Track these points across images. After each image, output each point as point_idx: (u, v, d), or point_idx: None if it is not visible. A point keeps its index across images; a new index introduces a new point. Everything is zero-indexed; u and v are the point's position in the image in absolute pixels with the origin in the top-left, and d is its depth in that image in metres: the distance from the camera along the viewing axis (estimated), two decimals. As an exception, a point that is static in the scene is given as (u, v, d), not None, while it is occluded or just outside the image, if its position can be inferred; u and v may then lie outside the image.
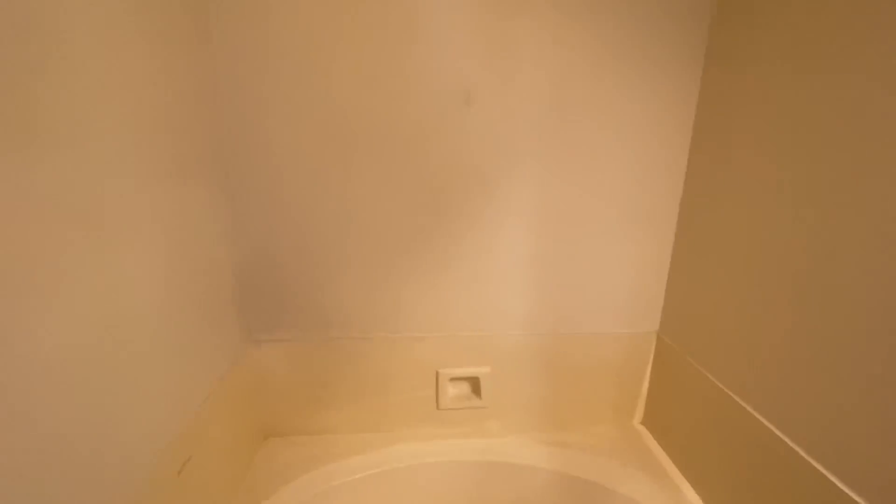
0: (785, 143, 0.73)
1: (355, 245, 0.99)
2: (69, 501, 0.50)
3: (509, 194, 0.98)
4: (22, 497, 0.44)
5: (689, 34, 0.91)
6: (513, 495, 1.11)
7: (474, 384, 1.13)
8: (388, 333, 1.06)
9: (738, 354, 0.84)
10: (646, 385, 1.16)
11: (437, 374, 1.10)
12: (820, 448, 0.67)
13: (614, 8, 0.88)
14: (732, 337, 0.86)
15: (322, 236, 0.97)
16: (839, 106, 0.64)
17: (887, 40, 0.57)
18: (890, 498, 0.57)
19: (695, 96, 0.96)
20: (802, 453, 0.69)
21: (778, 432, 0.74)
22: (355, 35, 0.86)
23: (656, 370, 1.13)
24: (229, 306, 0.94)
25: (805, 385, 0.69)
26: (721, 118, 0.89)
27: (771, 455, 0.75)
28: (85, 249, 0.53)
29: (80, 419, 0.52)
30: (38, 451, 0.46)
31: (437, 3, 0.86)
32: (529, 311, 1.08)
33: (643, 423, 1.20)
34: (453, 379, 1.12)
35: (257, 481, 0.99)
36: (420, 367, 1.09)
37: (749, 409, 0.80)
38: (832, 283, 0.65)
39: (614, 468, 1.06)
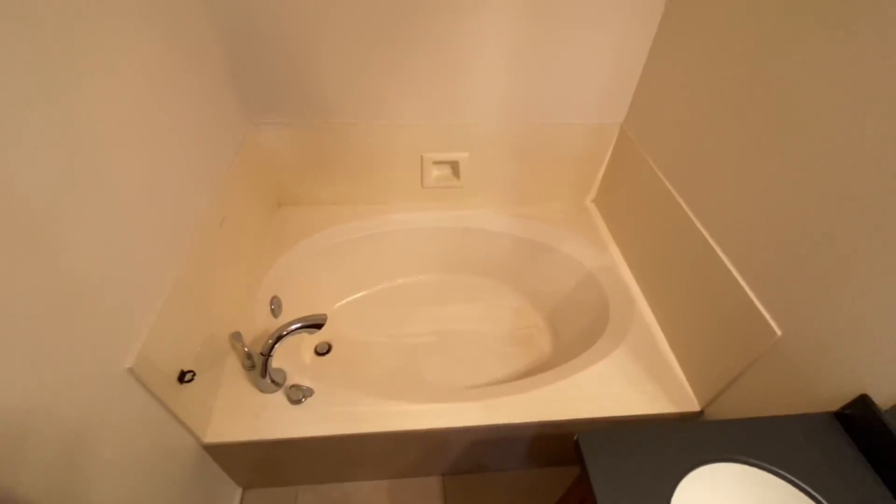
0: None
1: (339, 32, 0.99)
2: (160, 238, 0.70)
3: (496, -27, 0.94)
4: (132, 237, 0.63)
5: None
6: (482, 253, 1.42)
7: (454, 167, 1.30)
8: (377, 120, 1.16)
9: (681, 158, 0.99)
10: (602, 170, 1.35)
11: (422, 157, 1.25)
12: (715, 231, 0.89)
13: None
14: (682, 143, 0.98)
15: (305, 22, 0.97)
16: None
17: None
18: (754, 271, 0.81)
19: None
20: (706, 234, 0.92)
21: (690, 213, 0.95)
22: None
23: (614, 157, 1.29)
24: (227, 90, 1.01)
25: (718, 188, 0.87)
26: None
27: (681, 230, 0.98)
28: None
29: (152, 186, 0.68)
30: (134, 209, 0.64)
31: None
32: (505, 101, 1.16)
33: (594, 201, 1.43)
34: (436, 162, 1.28)
35: (276, 238, 1.24)
36: (406, 150, 1.24)
37: (675, 194, 0.99)
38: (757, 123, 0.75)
39: (561, 233, 1.34)
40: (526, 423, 0.90)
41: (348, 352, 1.28)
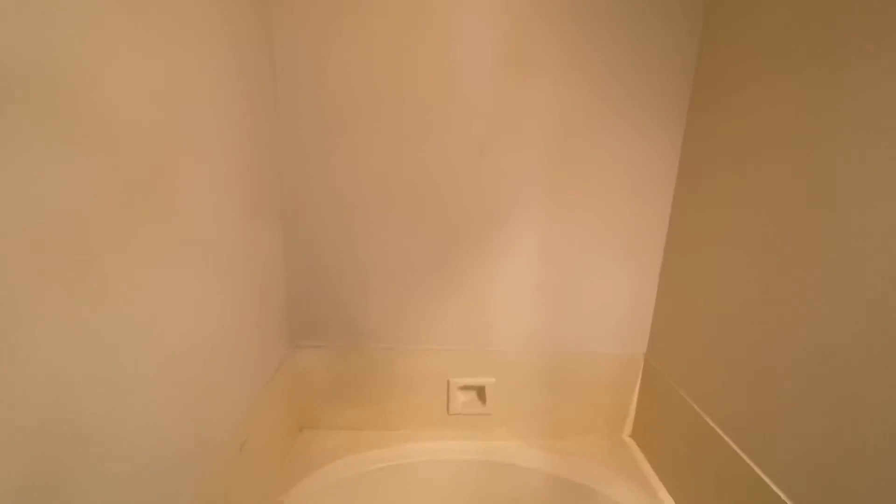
0: (754, 197, 0.88)
1: (383, 270, 1.17)
2: (181, 457, 0.69)
3: (515, 230, 1.16)
4: (162, 443, 0.63)
5: (674, 92, 1.08)
6: (511, 493, 1.26)
7: (480, 392, 1.29)
8: (409, 345, 1.23)
9: (711, 380, 0.98)
10: (634, 402, 1.30)
11: (449, 382, 1.27)
12: (768, 464, 0.81)
13: (606, 67, 1.06)
14: (708, 364, 1.00)
15: (356, 261, 1.16)
16: (805, 176, 0.79)
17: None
18: None
19: (678, 147, 1.11)
20: (757, 470, 0.83)
21: (741, 453, 0.88)
22: (393, 100, 1.06)
23: (644, 389, 1.27)
24: (280, 316, 1.13)
25: (759, 403, 0.84)
26: (701, 164, 1.04)
27: (735, 474, 0.88)
28: (192, 269, 0.73)
29: (184, 403, 0.71)
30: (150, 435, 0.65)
31: (466, 71, 1.05)
32: (531, 330, 1.24)
33: (632, 436, 1.33)
34: (462, 387, 1.28)
35: (293, 465, 1.17)
36: (434, 375, 1.26)
37: (719, 430, 0.93)
38: (787, 325, 0.80)
39: (603, 474, 1.20)
40: None
41: None
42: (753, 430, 0.84)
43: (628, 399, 1.30)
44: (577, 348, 1.25)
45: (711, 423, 0.95)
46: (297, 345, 1.22)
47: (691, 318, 1.06)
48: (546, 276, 1.19)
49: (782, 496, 0.76)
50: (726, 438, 0.90)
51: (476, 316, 1.22)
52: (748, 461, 0.84)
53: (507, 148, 1.10)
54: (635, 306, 1.23)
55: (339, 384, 1.26)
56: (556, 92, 1.07)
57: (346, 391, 1.27)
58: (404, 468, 1.24)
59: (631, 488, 1.15)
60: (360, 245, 1.15)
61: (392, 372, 1.25)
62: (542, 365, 1.26)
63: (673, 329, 1.14)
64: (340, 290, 1.18)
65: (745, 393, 0.87)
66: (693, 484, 1.03)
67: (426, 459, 1.25)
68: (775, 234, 0.80)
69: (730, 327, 0.92)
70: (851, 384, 0.65)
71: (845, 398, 0.66)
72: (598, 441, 1.31)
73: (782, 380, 0.78)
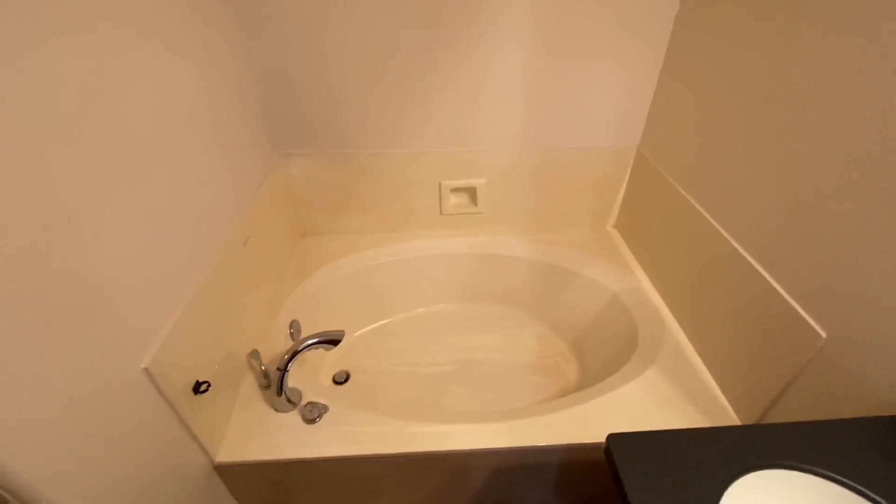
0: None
1: (362, 68, 1.06)
2: (184, 245, 0.73)
3: (505, 15, 1.01)
4: (158, 240, 0.66)
5: None
6: (499, 278, 1.41)
7: (472, 193, 1.32)
8: (397, 149, 1.21)
9: (697, 168, 0.99)
10: (621, 194, 1.34)
11: (440, 185, 1.28)
12: (743, 238, 0.86)
13: None
14: (699, 156, 0.98)
15: (331, 60, 1.05)
16: None
17: None
18: (789, 273, 0.78)
19: None
20: (734, 243, 0.89)
21: (714, 223, 0.93)
22: None
23: (632, 181, 1.29)
24: (258, 122, 1.08)
25: (741, 194, 0.86)
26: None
27: (708, 242, 0.95)
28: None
29: (182, 197, 0.72)
30: (162, 215, 0.67)
31: None
32: (521, 128, 1.19)
33: (615, 226, 1.42)
34: (454, 189, 1.30)
35: (299, 265, 1.27)
36: (425, 178, 1.27)
37: (697, 206, 0.98)
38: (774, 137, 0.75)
39: (583, 258, 1.31)
40: (553, 447, 0.84)
41: (367, 381, 1.25)
42: (736, 215, 0.88)
43: (616, 192, 1.34)
44: (568, 144, 1.22)
45: (695, 204, 0.99)
46: (283, 153, 1.19)
47: (686, 114, 1.01)
48: (537, 65, 1.09)
49: (754, 265, 0.83)
50: (708, 218, 0.95)
51: (464, 115, 1.16)
52: (725, 234, 0.90)
53: None
54: (632, 95, 1.16)
55: (332, 191, 1.28)
56: None
57: (341, 198, 1.29)
58: (403, 263, 1.36)
59: (608, 268, 1.27)
60: (333, 40, 1.02)
61: (382, 177, 1.26)
62: (533, 163, 1.26)
63: (669, 121, 1.09)
64: (317, 93, 1.09)
65: (732, 184, 0.88)
66: (666, 260, 1.14)
67: (423, 254, 1.36)
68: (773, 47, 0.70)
69: (726, 124, 0.88)
70: (811, 174, 0.65)
71: (806, 182, 0.66)
72: (582, 233, 1.40)
73: (771, 177, 0.77)
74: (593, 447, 0.84)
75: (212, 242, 0.83)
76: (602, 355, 1.20)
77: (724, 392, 0.91)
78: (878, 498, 0.49)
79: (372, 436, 0.84)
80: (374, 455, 0.82)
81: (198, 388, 0.75)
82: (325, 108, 1.13)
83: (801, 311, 0.71)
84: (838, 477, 0.51)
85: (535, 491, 1.00)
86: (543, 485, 0.97)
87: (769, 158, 0.77)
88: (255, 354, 0.93)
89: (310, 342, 0.85)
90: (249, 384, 0.94)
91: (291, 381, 0.91)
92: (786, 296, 0.75)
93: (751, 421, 0.83)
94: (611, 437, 0.55)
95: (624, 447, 0.54)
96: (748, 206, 0.83)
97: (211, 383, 0.78)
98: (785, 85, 0.73)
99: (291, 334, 1.10)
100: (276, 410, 0.88)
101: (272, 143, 1.16)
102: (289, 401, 0.88)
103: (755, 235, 0.82)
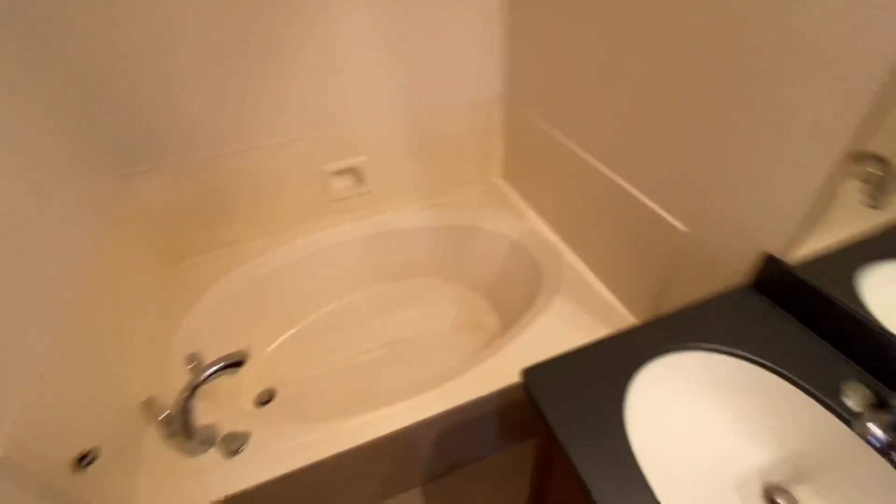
0: None
1: (190, 61, 0.94)
2: (20, 315, 0.60)
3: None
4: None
5: None
6: (407, 253, 1.39)
7: (356, 173, 1.27)
8: (260, 142, 1.10)
9: (563, 106, 1.03)
10: (502, 146, 1.38)
11: (320, 170, 1.21)
12: (611, 162, 0.93)
13: None
14: (562, 96, 1.02)
15: (152, 59, 0.91)
16: None
17: None
18: (649, 183, 0.84)
19: None
20: (602, 168, 0.95)
21: (584, 155, 0.99)
22: None
23: (508, 130, 1.33)
24: (76, 148, 0.91)
25: (601, 122, 0.91)
26: None
27: (582, 174, 1.01)
28: None
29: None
30: None
31: None
32: (388, 97, 1.15)
33: (504, 177, 1.46)
34: (336, 172, 1.24)
35: (181, 292, 1.12)
36: (301, 167, 1.19)
37: (567, 142, 1.03)
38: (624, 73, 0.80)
39: (479, 212, 1.34)
40: (485, 397, 0.86)
41: (296, 392, 1.18)
42: (601, 144, 0.94)
43: (495, 143, 1.37)
44: (439, 103, 1.22)
45: (565, 141, 1.05)
46: (122, 174, 1.02)
47: (544, 57, 1.04)
48: (388, 33, 1.05)
49: (621, 183, 0.90)
50: (579, 152, 1.00)
51: (326, 92, 1.09)
52: (594, 163, 0.96)
53: None
54: (485, 49, 1.17)
55: (198, 202, 1.14)
56: None
57: (208, 208, 1.16)
58: (298, 262, 1.27)
59: (504, 217, 1.32)
60: (149, 39, 0.88)
61: (252, 175, 1.15)
62: (409, 130, 1.24)
63: (529, 69, 1.12)
64: (144, 98, 0.95)
65: (587, 113, 0.93)
66: (551, 199, 1.20)
67: (317, 249, 1.29)
68: None
69: (580, 61, 0.92)
70: (659, 96, 0.71)
71: (658, 103, 0.73)
72: (472, 189, 1.42)
73: (622, 103, 0.83)
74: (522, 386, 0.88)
75: (52, 298, 0.70)
76: (515, 298, 1.25)
77: (620, 300, 1.00)
78: (749, 355, 0.57)
79: (306, 445, 0.80)
80: (314, 463, 0.78)
81: (81, 461, 0.64)
82: (160, 112, 0.99)
83: (662, 212, 0.80)
84: (720, 347, 0.59)
85: (486, 440, 1.03)
86: (491, 432, 1.01)
87: (622, 85, 0.83)
88: (149, 403, 0.82)
89: (208, 372, 0.77)
90: (152, 437, 0.83)
91: (206, 418, 0.83)
92: (648, 202, 0.83)
93: (646, 317, 0.93)
94: (524, 371, 0.57)
95: (538, 377, 0.56)
96: (610, 132, 0.90)
97: (100, 450, 0.67)
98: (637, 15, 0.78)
99: (192, 369, 0.99)
100: (192, 455, 0.80)
101: (103, 166, 0.99)
102: (202, 442, 0.80)
103: (619, 156, 0.89)
